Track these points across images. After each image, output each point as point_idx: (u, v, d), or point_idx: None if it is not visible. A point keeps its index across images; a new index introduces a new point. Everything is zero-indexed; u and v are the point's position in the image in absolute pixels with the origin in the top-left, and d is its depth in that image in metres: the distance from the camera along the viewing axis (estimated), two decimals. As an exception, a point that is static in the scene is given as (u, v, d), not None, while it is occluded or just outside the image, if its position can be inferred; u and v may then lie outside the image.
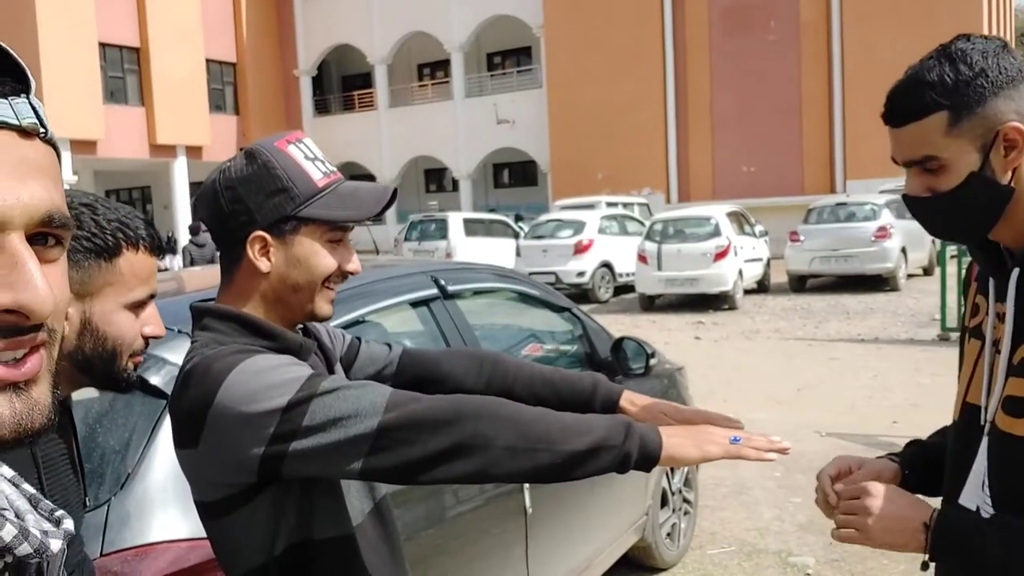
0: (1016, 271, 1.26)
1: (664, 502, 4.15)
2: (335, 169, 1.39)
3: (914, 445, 1.52)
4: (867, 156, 23.09)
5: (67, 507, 1.25)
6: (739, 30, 25.24)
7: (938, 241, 16.29)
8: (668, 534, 4.19)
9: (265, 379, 1.22)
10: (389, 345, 1.68)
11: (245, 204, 1.32)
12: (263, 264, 1.33)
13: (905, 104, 1.25)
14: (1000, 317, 1.29)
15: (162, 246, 1.30)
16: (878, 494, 1.31)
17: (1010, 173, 1.23)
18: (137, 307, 1.26)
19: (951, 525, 1.27)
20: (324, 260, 1.34)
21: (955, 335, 9.37)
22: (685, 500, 4.38)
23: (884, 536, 1.29)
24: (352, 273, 1.39)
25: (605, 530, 3.53)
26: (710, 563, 4.33)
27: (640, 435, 1.23)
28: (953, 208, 1.26)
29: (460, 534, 2.61)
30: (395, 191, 1.40)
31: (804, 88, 24.60)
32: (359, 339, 1.66)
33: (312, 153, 1.36)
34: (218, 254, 1.43)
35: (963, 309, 1.47)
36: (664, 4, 26.16)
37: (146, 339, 1.28)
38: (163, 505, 1.83)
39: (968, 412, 1.33)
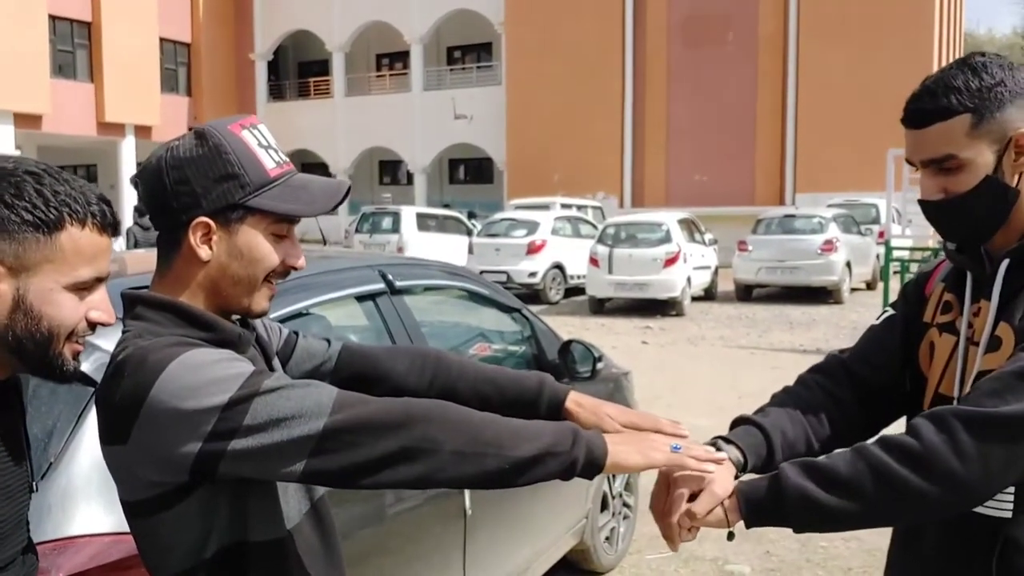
0: (1006, 262, 1.36)
1: (604, 506, 4.15)
2: (287, 159, 1.34)
3: (748, 425, 1.52)
4: (817, 170, 23.56)
5: (5, 490, 1.19)
6: (698, 40, 25.54)
7: (882, 257, 16.70)
8: (607, 538, 4.19)
9: (205, 374, 1.16)
10: (328, 341, 1.63)
11: (191, 186, 1.25)
12: (204, 252, 1.26)
13: (932, 105, 1.34)
14: (975, 314, 1.39)
15: (116, 225, 1.20)
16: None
17: (1017, 177, 1.35)
18: (82, 289, 1.16)
19: (748, 484, 1.35)
20: (268, 254, 1.29)
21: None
22: (625, 504, 4.39)
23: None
24: (296, 269, 1.34)
25: (544, 533, 3.51)
26: (647, 568, 4.35)
27: (587, 442, 1.23)
28: (968, 209, 1.36)
29: (399, 534, 2.57)
30: (348, 188, 1.35)
31: (759, 101, 24.99)
32: (296, 333, 1.61)
33: (266, 141, 1.31)
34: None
35: (914, 304, 1.56)
36: (625, 11, 26.36)
37: (92, 325, 1.19)
38: (86, 498, 1.75)
39: (940, 402, 1.41)
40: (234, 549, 1.26)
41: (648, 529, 4.74)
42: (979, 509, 1.34)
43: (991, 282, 1.37)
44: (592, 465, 1.23)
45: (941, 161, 1.35)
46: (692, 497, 1.34)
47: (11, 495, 1.21)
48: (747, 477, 1.41)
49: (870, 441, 1.31)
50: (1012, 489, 1.31)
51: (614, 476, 4.23)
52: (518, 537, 3.27)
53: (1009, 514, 1.32)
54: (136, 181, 1.31)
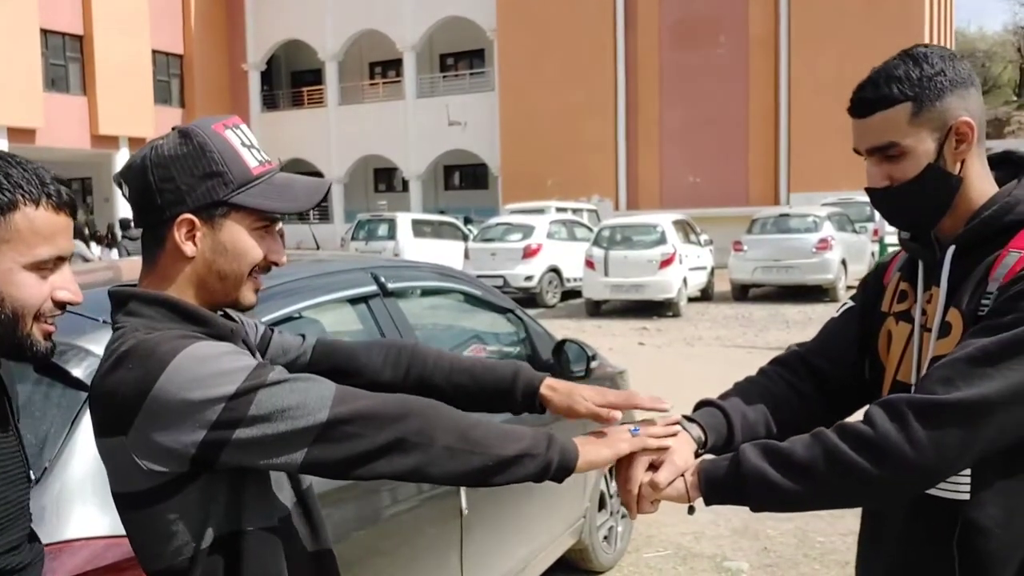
0: (952, 248, 1.39)
1: (602, 505, 4.16)
2: (269, 159, 1.37)
3: (710, 406, 1.58)
4: (810, 169, 23.60)
5: (5, 475, 1.21)
6: (689, 44, 25.59)
7: (877, 254, 16.75)
8: (605, 537, 4.20)
9: (211, 366, 1.19)
10: (303, 336, 1.65)
11: (176, 183, 1.27)
12: (188, 248, 1.29)
13: (874, 95, 1.38)
14: (927, 300, 1.43)
15: (72, 205, 1.21)
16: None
17: (959, 165, 1.38)
18: (43, 268, 1.18)
19: (710, 462, 1.41)
20: (251, 249, 1.32)
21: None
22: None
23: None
24: (277, 264, 1.36)
25: (542, 532, 3.52)
26: (646, 567, 4.35)
27: (560, 446, 1.32)
28: (912, 197, 1.39)
29: (395, 535, 2.57)
30: (329, 186, 1.38)
31: (751, 102, 25.03)
32: (272, 329, 1.63)
33: (248, 140, 1.34)
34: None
35: (873, 294, 1.59)
36: (616, 15, 26.41)
37: (61, 305, 1.20)
38: (81, 501, 1.76)
39: (898, 390, 1.44)
40: (230, 539, 1.27)
41: (644, 528, 4.75)
42: (937, 492, 1.37)
43: (941, 268, 1.41)
44: (565, 467, 1.31)
45: (884, 149, 1.39)
46: (653, 467, 1.41)
47: (12, 480, 1.23)
48: (708, 456, 1.47)
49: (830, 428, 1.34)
50: (968, 471, 1.34)
51: (612, 475, 4.24)
52: (515, 536, 3.28)
53: (967, 496, 1.35)
54: (120, 180, 1.33)
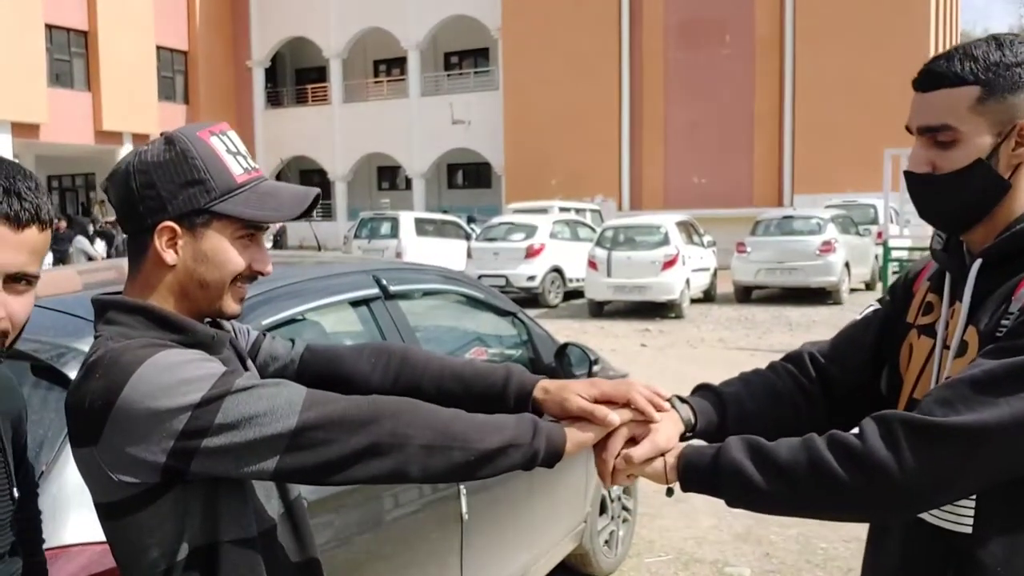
0: (978, 262, 1.29)
1: (603, 509, 4.14)
2: (257, 166, 1.35)
3: (707, 391, 1.52)
4: (815, 171, 23.57)
5: None
6: (695, 43, 25.57)
7: (880, 257, 16.71)
8: (606, 542, 4.18)
9: (176, 374, 1.17)
10: (292, 341, 1.62)
11: (157, 191, 1.26)
12: (169, 256, 1.27)
13: (944, 69, 1.27)
14: (951, 315, 1.34)
15: (32, 217, 1.12)
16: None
17: (1011, 170, 1.27)
18: None
19: (694, 448, 1.36)
20: (233, 259, 1.30)
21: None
22: (624, 508, 4.37)
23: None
24: (262, 274, 1.34)
25: (542, 537, 3.50)
26: (647, 572, 4.33)
27: (547, 433, 1.30)
28: (952, 190, 1.29)
29: (395, 540, 2.56)
30: (318, 195, 1.36)
31: (756, 103, 25.01)
32: (264, 335, 1.61)
33: (235, 147, 1.32)
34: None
35: (901, 301, 1.49)
36: (621, 14, 26.39)
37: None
38: (78, 506, 1.74)
39: (913, 408, 1.34)
40: (206, 550, 1.26)
41: (646, 532, 4.74)
42: (936, 522, 1.30)
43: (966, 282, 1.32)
44: (553, 453, 1.30)
45: (936, 130, 1.28)
46: (634, 441, 1.36)
47: None
48: (697, 441, 1.42)
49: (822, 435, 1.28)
50: (973, 504, 1.26)
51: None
52: (516, 541, 3.26)
53: (969, 529, 1.27)
54: (106, 187, 1.32)
